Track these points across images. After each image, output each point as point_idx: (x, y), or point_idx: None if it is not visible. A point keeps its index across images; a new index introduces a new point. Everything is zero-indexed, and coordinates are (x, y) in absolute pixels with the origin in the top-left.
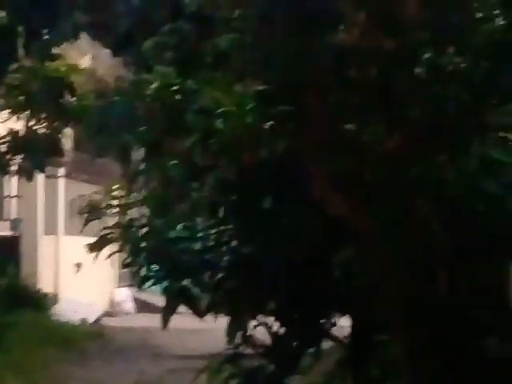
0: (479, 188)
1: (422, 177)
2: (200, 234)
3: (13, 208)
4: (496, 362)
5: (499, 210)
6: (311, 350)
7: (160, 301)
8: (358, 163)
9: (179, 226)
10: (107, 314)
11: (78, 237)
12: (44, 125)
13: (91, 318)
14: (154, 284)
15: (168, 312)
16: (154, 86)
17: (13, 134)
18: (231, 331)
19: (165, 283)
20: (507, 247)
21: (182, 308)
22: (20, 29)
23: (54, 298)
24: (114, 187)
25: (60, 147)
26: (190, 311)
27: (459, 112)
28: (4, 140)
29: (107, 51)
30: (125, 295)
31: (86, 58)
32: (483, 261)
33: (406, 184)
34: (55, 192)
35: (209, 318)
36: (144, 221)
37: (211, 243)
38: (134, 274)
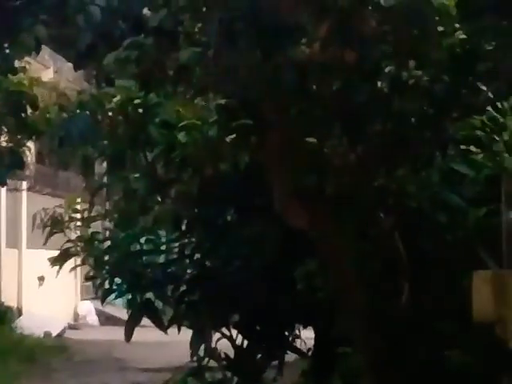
0: (441, 200)
1: (385, 189)
2: (163, 247)
3: None
4: (458, 374)
5: (461, 221)
6: (275, 362)
7: (124, 314)
8: (319, 176)
9: (142, 239)
10: (71, 327)
11: (41, 250)
12: (6, 138)
13: (55, 332)
14: (117, 297)
15: (131, 325)
16: (116, 99)
17: None
18: (195, 344)
19: (128, 296)
20: (469, 259)
21: (146, 321)
22: None
23: (17, 312)
24: (77, 200)
25: (22, 160)
26: (154, 324)
27: (421, 125)
28: None
29: (69, 65)
30: (88, 308)
31: (48, 71)
32: (445, 273)
33: (368, 197)
34: (18, 205)
35: (172, 330)
36: (107, 234)
37: (174, 256)
38: (98, 287)
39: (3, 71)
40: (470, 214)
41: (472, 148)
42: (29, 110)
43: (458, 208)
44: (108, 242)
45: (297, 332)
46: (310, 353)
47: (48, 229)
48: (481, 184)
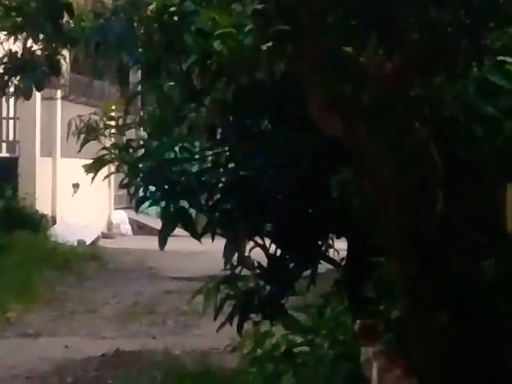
0: (477, 111)
1: (420, 99)
2: (197, 156)
3: (10, 130)
4: (492, 285)
5: (496, 133)
6: (308, 271)
7: (157, 223)
8: (355, 85)
9: (177, 148)
10: (104, 236)
11: (76, 159)
12: (42, 46)
13: (88, 240)
14: (150, 205)
15: (165, 233)
16: (151, 6)
17: (10, 55)
18: (228, 253)
19: (162, 204)
20: (504, 171)
21: (179, 231)
22: None
23: (52, 220)
24: (112, 108)
25: (58, 67)
26: (188, 232)
27: (458, 35)
28: (1, 61)
29: None
30: (122, 217)
31: None
32: (480, 184)
33: (404, 106)
34: (52, 114)
35: (206, 240)
36: (141, 142)
37: (208, 165)
38: (132, 196)
39: None
40: (506, 126)
41: (508, 59)
42: (65, 17)
43: (493, 119)
44: (142, 151)
45: (330, 242)
46: (343, 263)
47: (82, 136)
48: None
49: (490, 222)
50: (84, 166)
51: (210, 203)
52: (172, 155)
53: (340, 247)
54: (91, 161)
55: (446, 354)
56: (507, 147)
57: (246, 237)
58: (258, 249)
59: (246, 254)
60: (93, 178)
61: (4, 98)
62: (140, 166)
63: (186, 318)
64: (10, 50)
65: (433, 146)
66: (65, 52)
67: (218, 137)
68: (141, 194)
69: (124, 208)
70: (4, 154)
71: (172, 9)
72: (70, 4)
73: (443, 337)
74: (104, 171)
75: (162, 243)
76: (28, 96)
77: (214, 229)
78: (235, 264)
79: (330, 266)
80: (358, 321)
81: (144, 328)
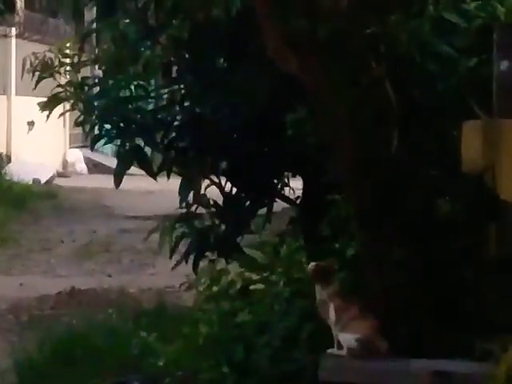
0: (432, 49)
1: (376, 37)
2: (153, 94)
3: None
4: (446, 222)
5: (451, 71)
6: (263, 210)
7: (112, 162)
8: (310, 21)
9: (132, 86)
10: (59, 175)
11: (31, 97)
12: None
13: (44, 179)
14: (106, 143)
15: (120, 172)
16: None
17: None
18: (183, 191)
19: (117, 142)
20: (459, 109)
21: (134, 170)
22: None
23: (7, 158)
24: (67, 45)
25: (13, 4)
26: (143, 170)
27: None
28: None
29: None
30: (77, 156)
31: None
32: (435, 123)
33: (359, 43)
34: (7, 52)
35: (161, 180)
36: (97, 80)
37: (164, 102)
38: (87, 134)
39: None
40: (461, 64)
41: None
42: None
43: (448, 57)
44: (98, 88)
45: (286, 180)
46: (298, 201)
47: (37, 74)
48: (472, 34)
49: (445, 160)
50: (39, 104)
51: (166, 141)
52: (127, 93)
53: (296, 186)
54: (46, 99)
55: (403, 290)
56: (462, 86)
57: (201, 175)
58: (213, 187)
59: (202, 192)
60: (48, 116)
61: None
62: (95, 103)
63: (142, 257)
64: None
65: (388, 84)
66: None
67: (174, 75)
68: (96, 132)
69: (79, 147)
70: None
71: None
72: None
73: (399, 273)
74: (59, 109)
75: (117, 182)
76: None
77: (170, 167)
78: (191, 202)
79: (286, 205)
80: (311, 263)
81: (99, 266)
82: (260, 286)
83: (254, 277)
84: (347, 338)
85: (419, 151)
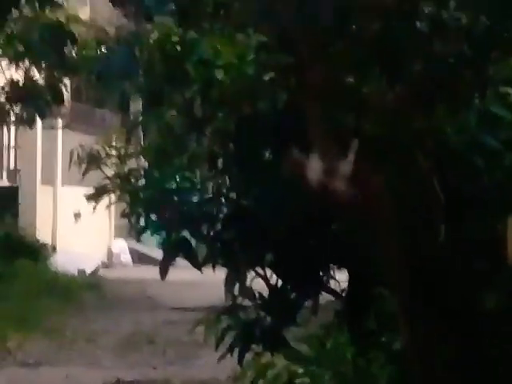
0: (478, 143)
1: (423, 131)
2: (198, 186)
3: (11, 158)
4: (493, 317)
5: (498, 165)
6: (309, 302)
7: (157, 253)
8: (357, 117)
9: (178, 178)
10: (104, 265)
11: (76, 187)
12: (44, 74)
13: (89, 269)
14: (151, 235)
15: (166, 263)
16: (154, 36)
17: (12, 83)
18: (229, 283)
19: (163, 234)
20: (505, 202)
21: (179, 262)
22: None
23: (52, 249)
24: (113, 137)
25: (61, 96)
26: (189, 262)
27: (460, 66)
28: (3, 90)
29: (105, 1)
30: (122, 247)
31: (84, 8)
32: (481, 216)
33: (406, 138)
34: (53, 142)
35: (207, 271)
36: (143, 171)
37: (210, 195)
38: (132, 225)
39: (42, 7)
40: (506, 158)
41: (510, 90)
42: (67, 47)
43: (494, 151)
44: (143, 180)
45: (331, 273)
46: (343, 294)
47: (84, 165)
48: None
49: (490, 253)
50: (86, 195)
51: (211, 233)
52: (173, 185)
53: (341, 278)
54: (92, 189)
55: None
56: (507, 179)
57: (247, 267)
58: (259, 279)
59: (247, 284)
60: (94, 207)
61: (5, 127)
62: (141, 195)
63: (187, 349)
64: (12, 79)
65: (435, 178)
66: (67, 80)
67: (220, 167)
68: (142, 223)
69: (125, 237)
70: (5, 182)
71: (174, 38)
72: (73, 33)
73: (446, 369)
74: (105, 201)
75: (163, 273)
76: (31, 125)
77: (215, 259)
78: (236, 294)
79: (331, 297)
80: None
81: (144, 358)
82: (306, 379)
83: (300, 370)
84: None
85: (465, 245)
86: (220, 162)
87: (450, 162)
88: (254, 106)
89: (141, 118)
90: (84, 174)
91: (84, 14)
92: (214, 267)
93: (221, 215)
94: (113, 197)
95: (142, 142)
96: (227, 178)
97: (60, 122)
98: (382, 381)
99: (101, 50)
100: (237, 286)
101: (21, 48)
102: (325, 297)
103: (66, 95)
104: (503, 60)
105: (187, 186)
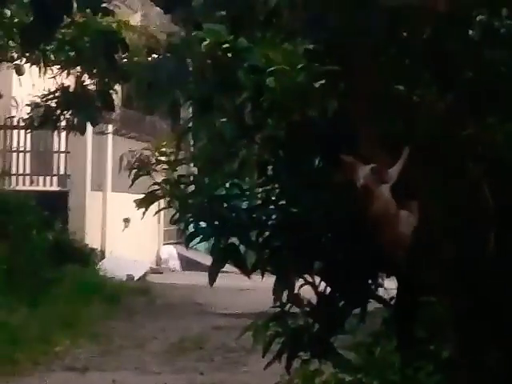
0: None
1: (473, 139)
2: (248, 193)
3: (61, 164)
4: None
5: None
6: (357, 310)
7: (205, 259)
8: (407, 125)
9: (227, 184)
10: (153, 271)
11: (125, 193)
12: (95, 81)
13: (137, 275)
14: (200, 241)
15: (215, 269)
16: (205, 43)
17: (63, 89)
18: (277, 290)
19: (212, 241)
20: None
21: (227, 268)
22: None
23: (101, 254)
24: (163, 144)
25: (112, 102)
26: (238, 269)
27: (510, 74)
28: (54, 95)
29: (156, 9)
30: (170, 253)
31: (135, 15)
32: None
33: (456, 146)
34: (103, 148)
35: (255, 277)
36: (192, 178)
37: (259, 201)
38: (181, 232)
39: (94, 13)
40: None
41: None
42: (118, 53)
43: None
44: (193, 186)
45: (380, 281)
46: (392, 301)
47: (134, 171)
48: None
49: None
50: (135, 201)
51: (260, 240)
52: (223, 191)
53: (389, 286)
54: (141, 195)
55: None
56: None
57: (295, 274)
58: (307, 286)
59: (296, 291)
60: (144, 213)
61: (55, 132)
62: (191, 201)
63: (234, 355)
64: (63, 84)
65: (485, 186)
66: (117, 87)
67: (269, 173)
68: (191, 229)
69: (173, 243)
70: (55, 187)
71: (225, 45)
72: (124, 39)
73: (494, 379)
74: (154, 206)
75: (212, 279)
76: (82, 131)
77: (264, 266)
78: (284, 301)
79: (380, 305)
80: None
81: (191, 364)
82: None
83: (348, 378)
84: None
85: None
86: (270, 168)
87: (500, 171)
88: (304, 113)
89: (191, 125)
90: (134, 180)
91: (135, 20)
92: (262, 274)
93: (270, 222)
94: (162, 203)
95: (192, 149)
96: (277, 184)
97: (110, 128)
98: None
99: (152, 57)
100: (285, 293)
101: (72, 54)
102: (373, 304)
103: (117, 102)
104: None
105: (237, 192)
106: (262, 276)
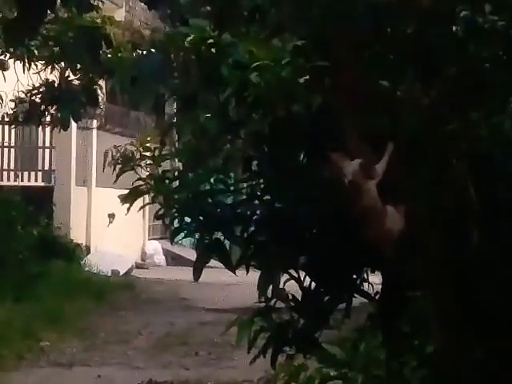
0: None
1: (457, 134)
2: (233, 188)
3: (46, 159)
4: None
5: None
6: (342, 305)
7: (190, 254)
8: (391, 120)
9: (212, 179)
10: (138, 266)
11: (110, 188)
12: (79, 76)
13: (122, 270)
14: (185, 236)
15: (200, 264)
16: (189, 39)
17: (47, 84)
18: (262, 285)
19: (197, 236)
20: None
21: (212, 263)
22: None
23: (86, 249)
24: (148, 139)
25: (96, 98)
26: (223, 264)
27: (495, 70)
28: (38, 91)
29: (141, 4)
30: (156, 248)
31: (120, 10)
32: None
33: (440, 142)
34: (88, 143)
35: (240, 273)
36: (177, 173)
37: (244, 197)
38: (166, 227)
39: (78, 9)
40: None
41: None
42: (102, 49)
43: None
44: (178, 182)
45: (365, 276)
46: (377, 297)
47: (118, 167)
48: None
49: None
50: (120, 197)
51: (245, 235)
52: (207, 187)
53: (374, 281)
54: (126, 191)
55: None
56: None
57: (280, 269)
58: (292, 281)
59: (281, 286)
60: (128, 209)
61: (40, 127)
62: (175, 197)
63: (220, 350)
64: (47, 80)
65: (469, 181)
66: (101, 82)
67: (254, 169)
68: (176, 224)
69: (158, 238)
70: (39, 182)
71: (209, 41)
72: (108, 35)
73: (479, 373)
74: (139, 202)
75: (197, 274)
76: (66, 126)
77: (249, 261)
78: (269, 296)
79: (365, 300)
80: None
81: (177, 359)
82: (338, 382)
83: (333, 373)
84: None
85: (499, 250)
86: (254, 164)
87: (484, 166)
88: (288, 108)
89: (175, 120)
90: (118, 176)
91: (119, 16)
92: (247, 269)
93: (254, 217)
94: (147, 198)
95: (177, 144)
96: (261, 179)
97: (95, 123)
98: None
99: (136, 53)
100: (270, 288)
101: (56, 49)
102: (358, 300)
103: (101, 97)
104: None
105: (221, 187)
106: (247, 271)
